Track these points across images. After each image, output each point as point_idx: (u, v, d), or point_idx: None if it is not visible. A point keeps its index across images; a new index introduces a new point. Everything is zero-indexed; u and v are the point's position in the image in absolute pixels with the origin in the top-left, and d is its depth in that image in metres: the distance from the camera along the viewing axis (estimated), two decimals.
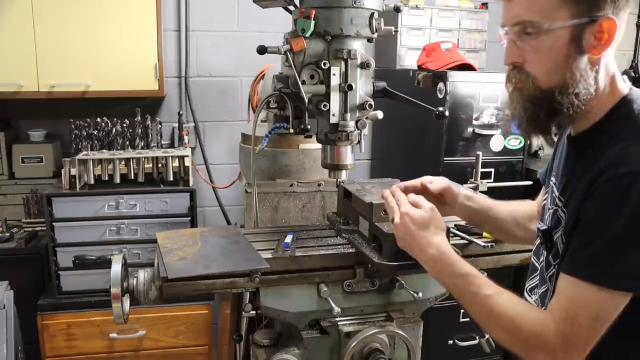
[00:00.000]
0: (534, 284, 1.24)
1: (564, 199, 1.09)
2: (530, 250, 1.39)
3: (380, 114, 1.56)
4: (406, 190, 1.30)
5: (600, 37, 0.99)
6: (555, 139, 1.20)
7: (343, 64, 1.47)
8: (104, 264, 2.41)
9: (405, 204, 1.22)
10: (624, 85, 1.07)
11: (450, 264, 1.13)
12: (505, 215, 1.40)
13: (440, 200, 1.37)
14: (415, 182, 1.36)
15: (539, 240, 1.19)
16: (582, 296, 0.96)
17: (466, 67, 2.70)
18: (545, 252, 1.16)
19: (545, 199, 1.22)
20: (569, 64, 1.01)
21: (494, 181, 2.65)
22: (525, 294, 1.26)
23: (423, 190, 1.34)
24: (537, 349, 1.01)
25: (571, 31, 0.99)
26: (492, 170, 2.66)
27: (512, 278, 2.92)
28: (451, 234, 1.51)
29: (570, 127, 1.13)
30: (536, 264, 1.23)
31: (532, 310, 1.06)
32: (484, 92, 2.65)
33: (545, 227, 1.15)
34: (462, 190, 1.40)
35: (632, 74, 3.50)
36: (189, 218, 2.61)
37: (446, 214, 1.37)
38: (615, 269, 0.93)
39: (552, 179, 1.18)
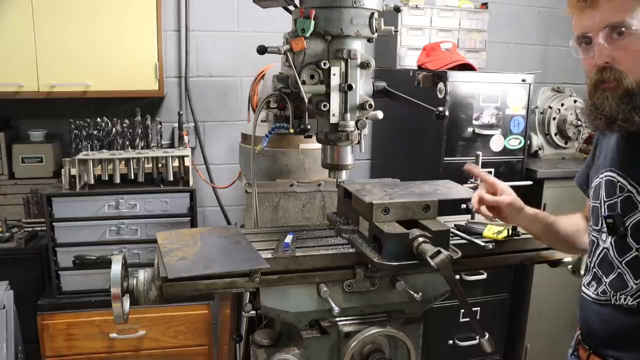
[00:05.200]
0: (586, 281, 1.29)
1: None
2: (529, 250, 1.39)
3: (380, 114, 1.56)
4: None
5: None
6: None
7: (343, 64, 1.47)
8: (104, 264, 2.41)
9: None
10: None
11: None
12: (568, 228, 1.45)
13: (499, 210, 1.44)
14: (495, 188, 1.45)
15: (604, 233, 1.23)
16: None
17: (466, 67, 2.69)
18: (612, 242, 1.19)
19: (593, 198, 1.26)
20: None
21: None
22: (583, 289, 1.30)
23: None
24: None
25: None
26: (492, 170, 2.66)
27: (512, 278, 2.94)
28: (451, 234, 1.51)
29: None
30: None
31: None
32: (484, 92, 2.65)
33: (614, 214, 1.18)
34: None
35: None
36: (189, 218, 2.61)
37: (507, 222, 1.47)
38: None
39: (608, 173, 1.22)
